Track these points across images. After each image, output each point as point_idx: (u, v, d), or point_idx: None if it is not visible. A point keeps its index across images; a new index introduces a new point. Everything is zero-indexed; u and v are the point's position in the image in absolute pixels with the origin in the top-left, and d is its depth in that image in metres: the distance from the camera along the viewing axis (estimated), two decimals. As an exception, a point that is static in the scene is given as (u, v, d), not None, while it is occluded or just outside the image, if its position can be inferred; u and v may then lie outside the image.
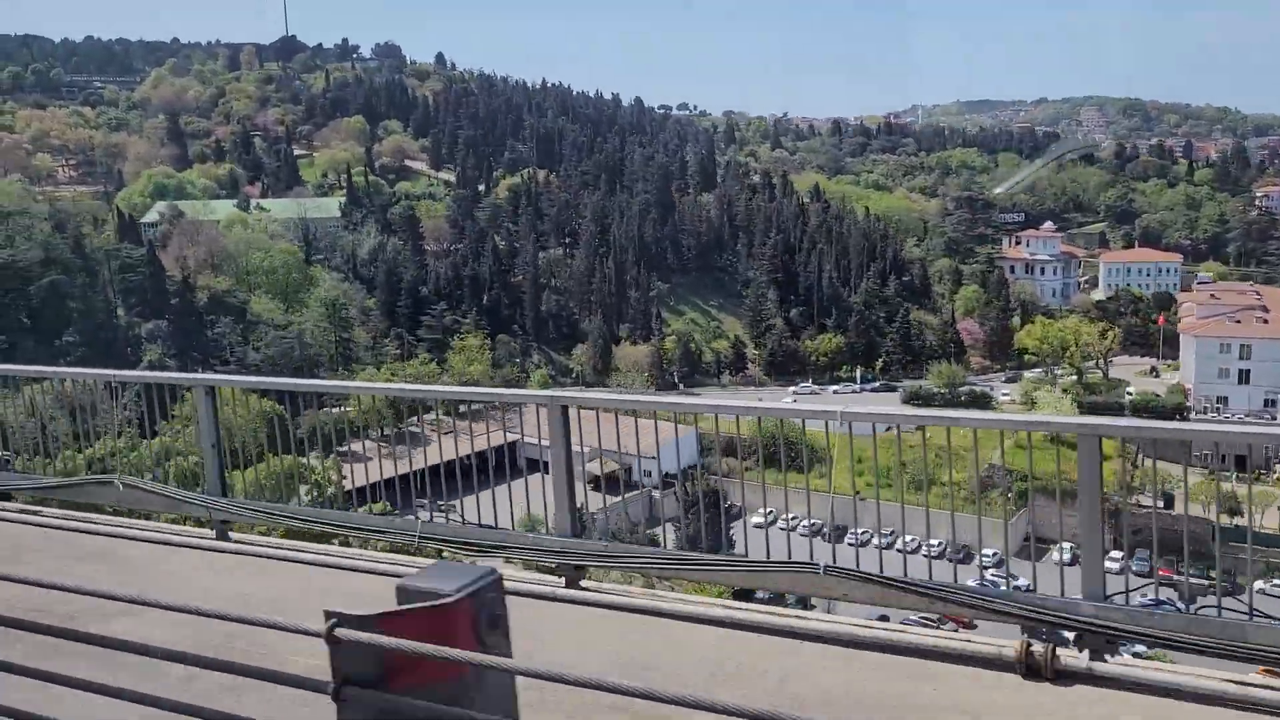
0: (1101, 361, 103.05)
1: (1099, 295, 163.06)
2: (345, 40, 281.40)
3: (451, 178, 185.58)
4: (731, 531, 63.68)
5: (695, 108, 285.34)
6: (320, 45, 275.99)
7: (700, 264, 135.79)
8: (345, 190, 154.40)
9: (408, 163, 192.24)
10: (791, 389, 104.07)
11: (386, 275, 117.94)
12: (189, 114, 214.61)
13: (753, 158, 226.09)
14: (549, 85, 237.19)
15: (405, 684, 2.25)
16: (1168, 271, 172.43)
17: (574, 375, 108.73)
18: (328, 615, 2.26)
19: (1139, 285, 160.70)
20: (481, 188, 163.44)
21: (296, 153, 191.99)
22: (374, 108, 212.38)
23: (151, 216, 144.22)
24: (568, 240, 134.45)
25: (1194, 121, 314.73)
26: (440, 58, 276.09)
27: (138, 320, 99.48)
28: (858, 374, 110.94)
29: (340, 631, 2.23)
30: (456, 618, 2.29)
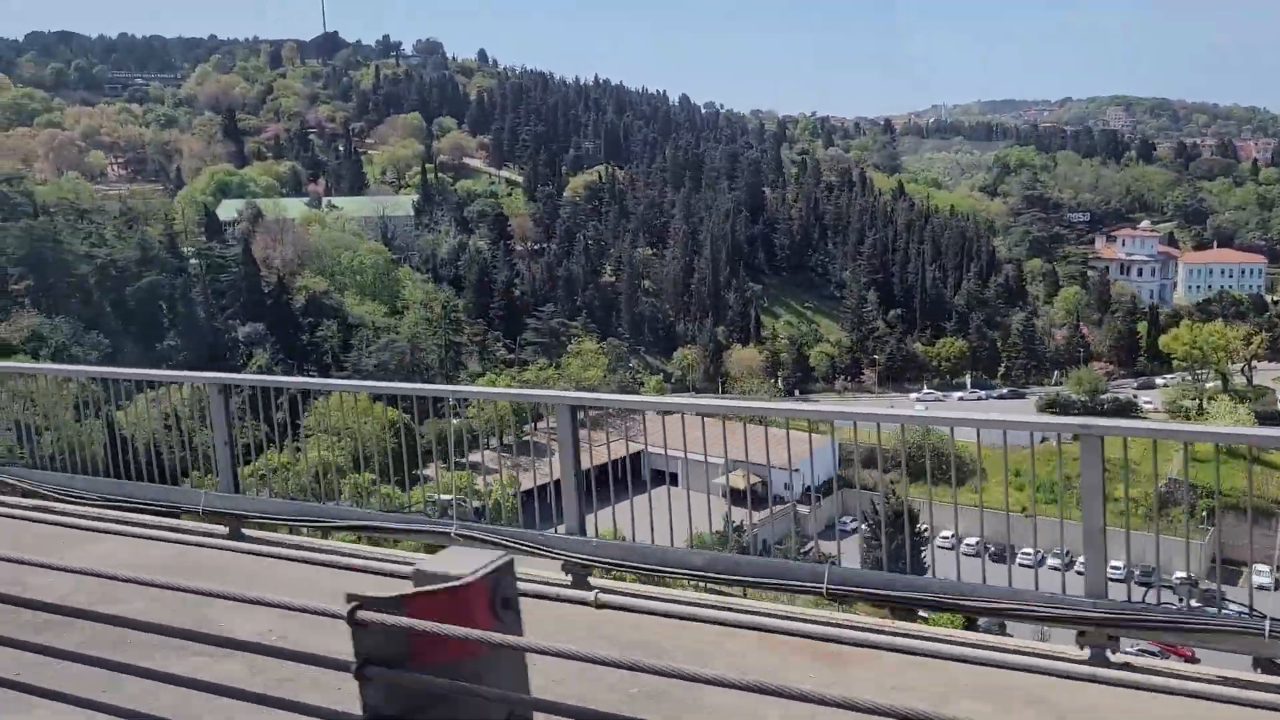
0: (1246, 368, 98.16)
1: (1180, 297, 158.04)
2: (387, 37, 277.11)
3: (512, 175, 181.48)
4: (922, 553, 59.15)
5: (721, 105, 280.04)
6: (359, 41, 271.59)
7: (792, 264, 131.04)
8: (419, 188, 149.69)
9: (465, 160, 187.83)
10: (914, 395, 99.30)
11: (478, 276, 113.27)
12: (238, 111, 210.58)
13: (806, 155, 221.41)
14: (601, 82, 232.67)
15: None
16: (1252, 273, 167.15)
17: (675, 380, 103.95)
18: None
19: (1223, 287, 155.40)
20: (548, 186, 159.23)
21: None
22: (427, 105, 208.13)
23: (224, 215, 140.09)
24: (655, 240, 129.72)
25: (1223, 121, 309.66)
26: (483, 54, 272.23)
27: (233, 323, 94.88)
28: (967, 379, 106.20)
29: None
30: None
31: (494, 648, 2.33)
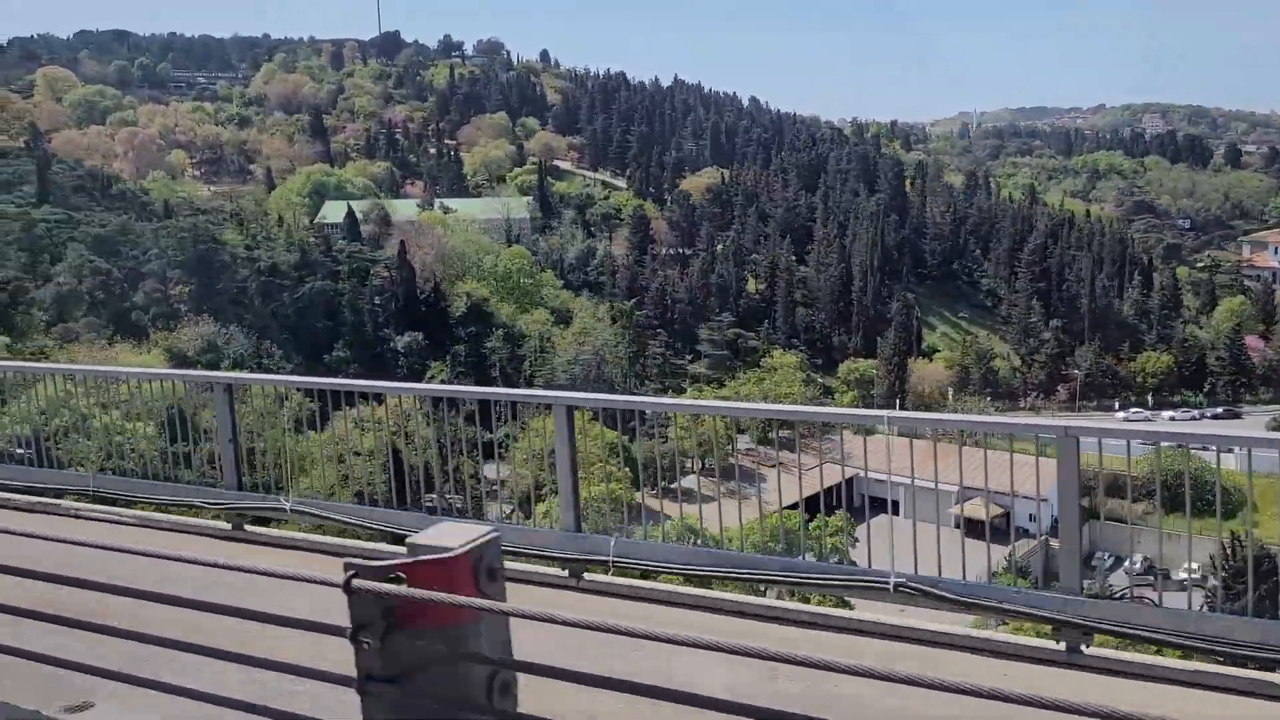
0: None
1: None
2: (448, 36, 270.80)
3: (606, 178, 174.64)
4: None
5: (778, 108, 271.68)
6: (416, 41, 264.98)
7: (943, 272, 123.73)
8: (533, 189, 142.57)
9: (555, 162, 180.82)
10: (1121, 414, 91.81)
11: (628, 283, 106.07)
12: (311, 110, 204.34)
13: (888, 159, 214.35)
14: (680, 83, 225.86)
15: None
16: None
17: (850, 394, 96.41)
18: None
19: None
20: (655, 190, 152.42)
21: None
22: (508, 105, 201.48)
23: (332, 216, 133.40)
24: (798, 246, 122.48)
25: (1264, 129, 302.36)
26: (545, 55, 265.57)
27: (389, 332, 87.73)
28: (1181, 396, 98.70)
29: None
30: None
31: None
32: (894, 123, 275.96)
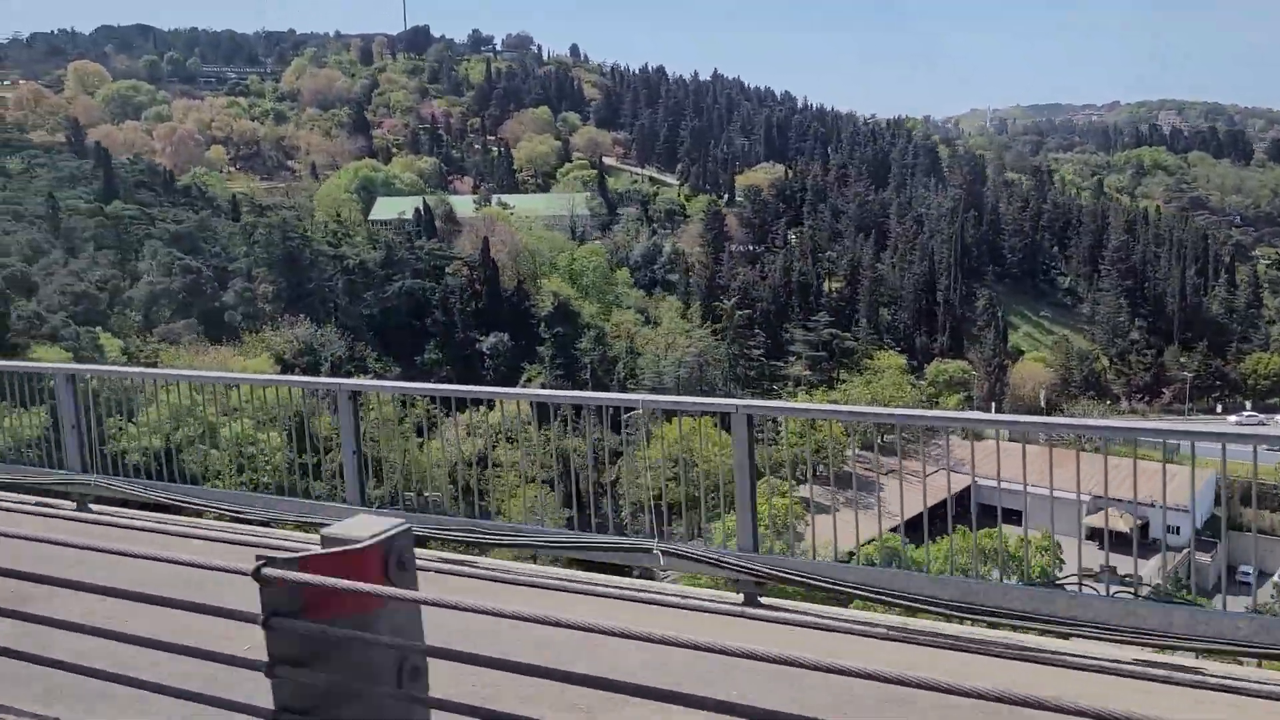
0: None
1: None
2: (477, 31, 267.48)
3: (652, 172, 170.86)
4: None
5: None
6: (444, 36, 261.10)
7: (1023, 269, 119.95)
8: (592, 184, 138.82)
9: (601, 157, 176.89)
10: (1233, 418, 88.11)
11: (708, 281, 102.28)
12: (350, 105, 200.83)
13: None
14: (719, 77, 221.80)
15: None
16: None
17: (955, 397, 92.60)
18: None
19: None
20: (704, 183, 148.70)
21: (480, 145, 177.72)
22: (548, 100, 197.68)
23: (383, 213, 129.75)
24: (874, 243, 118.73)
25: None
26: (575, 49, 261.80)
27: (473, 334, 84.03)
28: (1242, 402, 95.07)
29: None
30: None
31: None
32: (927, 118, 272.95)
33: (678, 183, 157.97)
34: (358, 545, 2.65)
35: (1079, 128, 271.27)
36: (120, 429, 21.51)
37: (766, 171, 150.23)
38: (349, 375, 63.62)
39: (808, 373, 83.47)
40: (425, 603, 2.60)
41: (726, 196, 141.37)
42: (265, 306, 72.76)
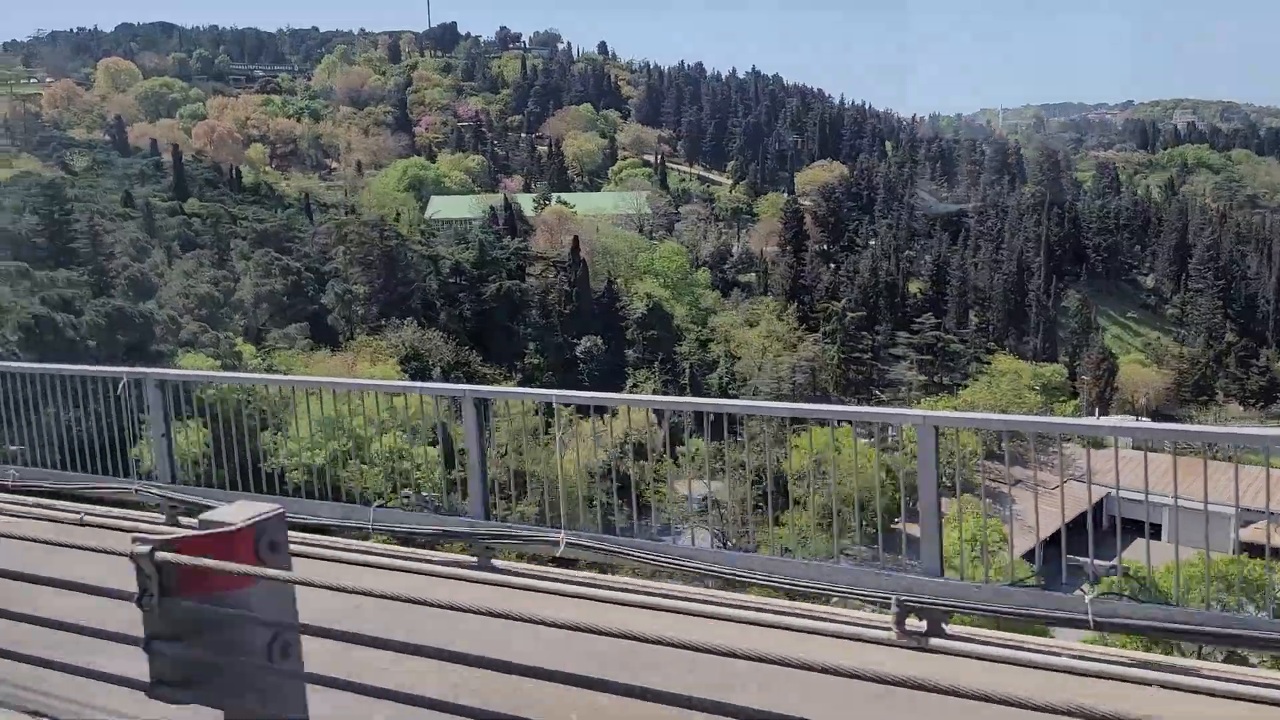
0: None
1: None
2: (505, 28, 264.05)
3: (699, 169, 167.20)
4: None
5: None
6: (469, 33, 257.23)
7: (1107, 269, 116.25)
8: (652, 181, 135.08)
9: (645, 156, 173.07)
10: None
11: (791, 281, 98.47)
12: (392, 102, 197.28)
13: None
14: (756, 73, 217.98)
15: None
16: None
17: (1072, 404, 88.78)
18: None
19: None
20: (754, 182, 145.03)
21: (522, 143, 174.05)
22: (588, 97, 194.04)
23: (441, 211, 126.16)
24: (952, 242, 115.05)
25: None
26: (603, 46, 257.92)
27: (565, 338, 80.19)
28: None
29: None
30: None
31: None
32: (959, 115, 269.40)
33: (729, 181, 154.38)
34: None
35: (1113, 126, 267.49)
36: (274, 444, 20.22)
37: (825, 168, 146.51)
38: (458, 381, 59.76)
39: (921, 376, 79.64)
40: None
41: (787, 194, 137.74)
42: (359, 309, 68.95)
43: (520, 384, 68.06)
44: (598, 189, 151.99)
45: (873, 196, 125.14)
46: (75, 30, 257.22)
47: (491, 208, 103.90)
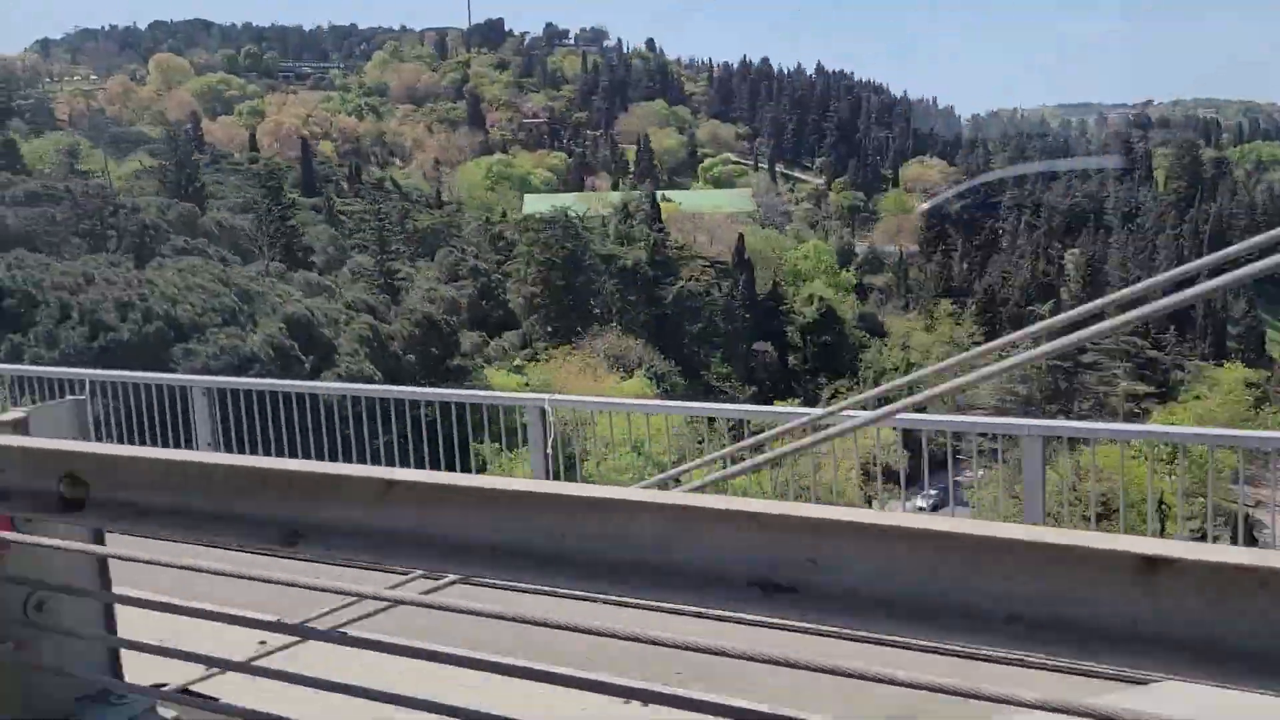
0: None
1: None
2: (552, 24, 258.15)
3: (780, 167, 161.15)
4: None
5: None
6: (512, 31, 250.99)
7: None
8: (769, 179, 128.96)
9: (727, 154, 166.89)
10: None
11: (943, 283, 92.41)
12: (441, 99, 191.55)
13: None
14: (821, 69, 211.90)
15: None
16: None
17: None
18: None
19: None
20: (863, 179, 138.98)
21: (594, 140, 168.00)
22: (653, 94, 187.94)
23: (536, 209, 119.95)
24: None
25: None
26: (651, 43, 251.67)
27: (747, 345, 73.89)
28: None
29: None
30: None
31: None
32: (1015, 110, 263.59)
33: (818, 178, 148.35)
34: None
35: (1171, 122, 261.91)
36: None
37: (927, 165, 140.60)
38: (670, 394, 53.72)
39: (1139, 386, 73.43)
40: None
41: (915, 191, 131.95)
42: (550, 312, 62.64)
43: (706, 395, 61.78)
44: (680, 187, 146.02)
45: (990, 194, 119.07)
46: (108, 28, 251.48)
47: (628, 205, 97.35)
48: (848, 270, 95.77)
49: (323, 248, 51.17)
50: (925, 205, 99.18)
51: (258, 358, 23.63)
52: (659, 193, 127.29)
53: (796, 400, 67.89)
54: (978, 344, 70.01)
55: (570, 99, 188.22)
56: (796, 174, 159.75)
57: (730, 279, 78.48)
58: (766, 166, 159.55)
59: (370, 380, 26.85)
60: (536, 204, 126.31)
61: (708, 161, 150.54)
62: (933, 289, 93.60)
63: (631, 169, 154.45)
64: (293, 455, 8.27)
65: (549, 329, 58.66)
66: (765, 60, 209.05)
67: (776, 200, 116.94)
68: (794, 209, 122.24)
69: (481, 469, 36.48)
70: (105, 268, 24.98)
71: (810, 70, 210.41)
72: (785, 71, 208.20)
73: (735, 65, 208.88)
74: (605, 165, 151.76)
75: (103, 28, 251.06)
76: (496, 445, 36.84)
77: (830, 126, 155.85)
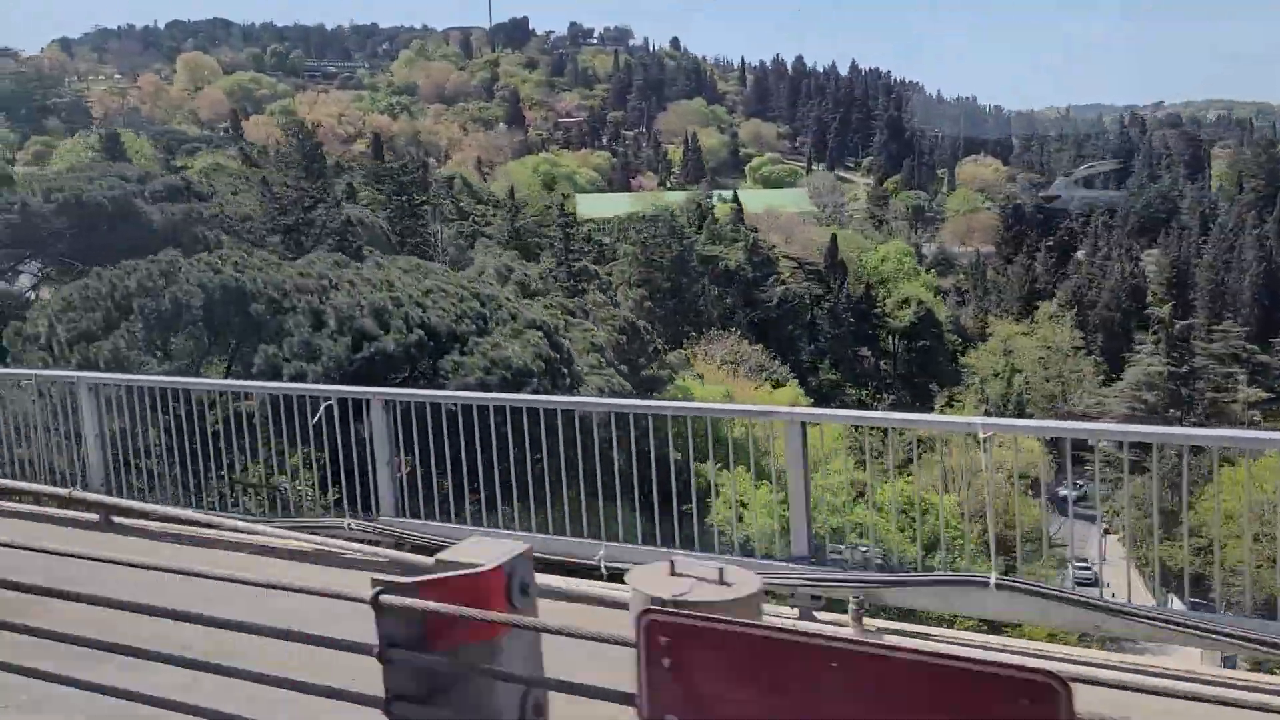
0: None
1: None
2: (577, 24, 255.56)
3: (819, 165, 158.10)
4: None
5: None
6: (533, 31, 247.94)
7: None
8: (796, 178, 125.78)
9: (772, 154, 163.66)
10: None
11: (1028, 286, 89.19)
12: (470, 98, 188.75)
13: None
14: (856, 68, 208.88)
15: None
16: None
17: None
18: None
19: None
20: (916, 178, 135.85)
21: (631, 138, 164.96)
22: (688, 93, 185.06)
23: (585, 209, 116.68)
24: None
25: None
26: (675, 42, 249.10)
27: (853, 350, 70.68)
28: None
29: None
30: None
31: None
32: (1068, 109, 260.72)
33: (865, 178, 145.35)
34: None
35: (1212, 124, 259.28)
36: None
37: (981, 164, 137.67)
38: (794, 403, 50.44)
39: (1259, 392, 69.94)
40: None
41: (946, 192, 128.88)
42: (661, 315, 59.40)
43: (819, 401, 58.56)
44: (724, 186, 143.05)
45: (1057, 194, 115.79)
46: (126, 27, 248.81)
47: (699, 204, 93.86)
48: (929, 272, 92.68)
49: (443, 247, 48.16)
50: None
51: (530, 371, 20.43)
52: (715, 193, 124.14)
53: (883, 404, 64.77)
54: (1077, 349, 66.86)
55: (603, 98, 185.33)
56: (840, 174, 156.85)
57: (822, 281, 75.27)
58: (809, 166, 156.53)
59: (617, 394, 23.64)
60: (594, 204, 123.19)
61: (755, 161, 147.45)
62: (1017, 291, 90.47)
63: (674, 169, 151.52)
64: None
65: (657, 333, 55.43)
66: (800, 59, 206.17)
67: (837, 199, 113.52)
68: (854, 209, 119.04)
69: (706, 493, 33.33)
70: (334, 268, 21.85)
71: (843, 69, 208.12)
72: (821, 70, 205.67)
73: (762, 64, 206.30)
74: (649, 164, 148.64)
75: (119, 27, 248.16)
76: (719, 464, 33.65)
77: (879, 125, 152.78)
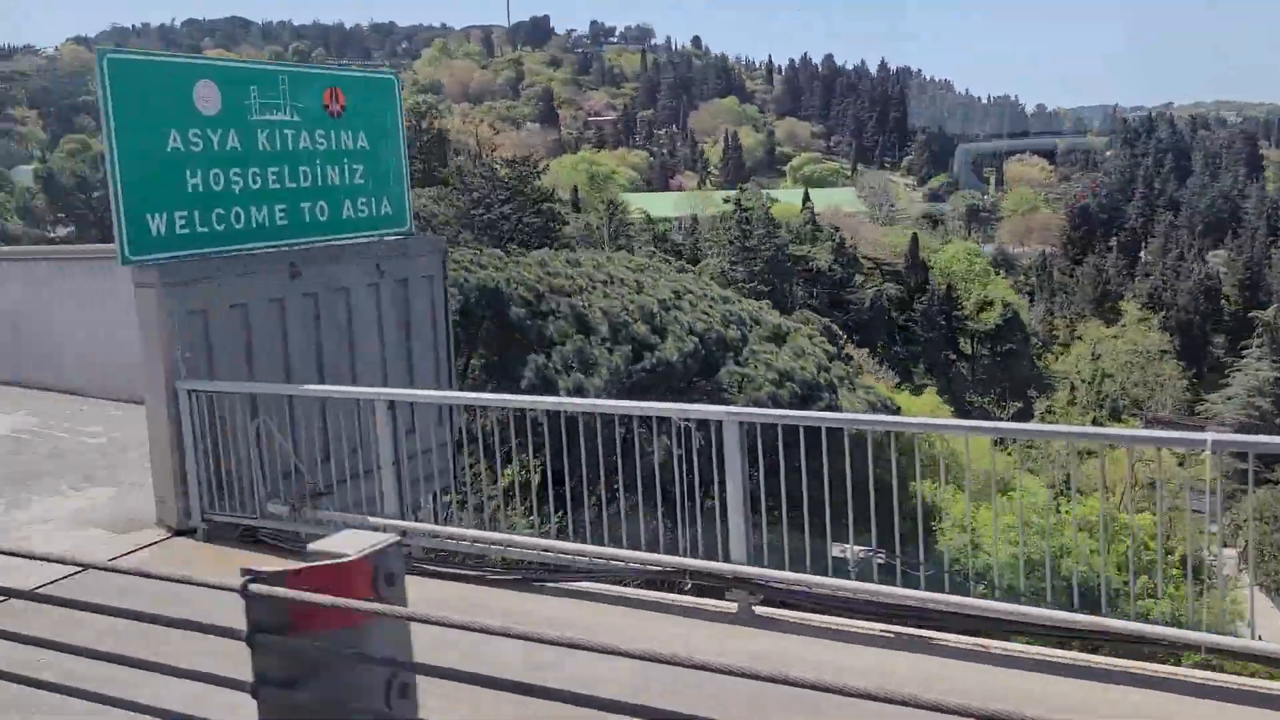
0: None
1: None
2: (598, 22, 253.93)
3: (853, 164, 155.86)
4: None
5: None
6: (553, 30, 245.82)
7: None
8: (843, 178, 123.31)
9: (810, 153, 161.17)
10: None
11: (1100, 286, 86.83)
12: (494, 97, 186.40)
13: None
14: (885, 66, 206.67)
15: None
16: None
17: None
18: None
19: None
20: (955, 178, 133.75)
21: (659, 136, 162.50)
22: (718, 92, 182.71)
23: (651, 208, 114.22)
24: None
25: None
26: (697, 41, 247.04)
27: (946, 353, 68.26)
28: None
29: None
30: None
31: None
32: (1115, 106, 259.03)
33: (906, 176, 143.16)
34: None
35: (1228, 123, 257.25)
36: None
37: (1027, 164, 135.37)
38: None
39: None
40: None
41: (995, 193, 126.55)
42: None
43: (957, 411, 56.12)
44: (762, 185, 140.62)
45: (1115, 195, 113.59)
46: (142, 25, 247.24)
47: (739, 205, 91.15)
48: (1000, 274, 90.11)
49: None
50: None
51: (818, 384, 17.92)
52: (766, 192, 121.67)
53: (1005, 413, 62.41)
54: (1165, 352, 64.25)
55: (632, 96, 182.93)
56: (870, 168, 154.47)
57: (902, 282, 72.84)
58: (854, 165, 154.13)
59: (888, 409, 21.13)
60: (642, 204, 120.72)
61: (796, 160, 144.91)
62: (1090, 292, 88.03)
63: (711, 168, 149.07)
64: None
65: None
66: (829, 58, 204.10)
67: (888, 199, 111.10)
68: (904, 208, 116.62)
69: (929, 514, 30.72)
70: (591, 267, 19.35)
71: (873, 68, 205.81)
72: (851, 69, 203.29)
73: (791, 63, 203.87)
74: (687, 163, 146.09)
75: (134, 26, 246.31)
76: (931, 482, 31.11)
77: (916, 124, 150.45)
